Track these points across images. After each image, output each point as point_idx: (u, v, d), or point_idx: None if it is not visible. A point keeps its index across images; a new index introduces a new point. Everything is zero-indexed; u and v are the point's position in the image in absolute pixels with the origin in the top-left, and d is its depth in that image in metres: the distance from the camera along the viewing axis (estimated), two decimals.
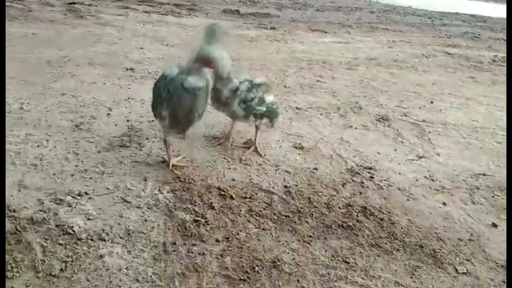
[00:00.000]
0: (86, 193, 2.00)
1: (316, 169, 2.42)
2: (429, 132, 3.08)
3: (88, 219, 1.83)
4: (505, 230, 2.03)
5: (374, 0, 11.26)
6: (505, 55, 5.75)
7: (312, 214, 2.01)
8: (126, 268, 1.60)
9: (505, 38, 7.22)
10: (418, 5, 10.81)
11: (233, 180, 2.23)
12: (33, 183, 2.05)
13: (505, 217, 2.13)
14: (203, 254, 1.71)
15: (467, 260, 1.82)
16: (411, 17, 8.85)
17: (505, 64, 5.37)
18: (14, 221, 1.76)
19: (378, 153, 2.70)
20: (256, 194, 2.13)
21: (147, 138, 2.59)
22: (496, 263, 1.82)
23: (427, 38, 6.75)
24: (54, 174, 2.14)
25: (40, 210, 1.85)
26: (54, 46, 4.38)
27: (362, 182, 2.33)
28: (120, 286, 1.52)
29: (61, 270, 1.56)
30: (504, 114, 3.58)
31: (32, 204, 1.90)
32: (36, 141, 2.45)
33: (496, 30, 7.98)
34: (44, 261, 1.59)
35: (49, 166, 2.22)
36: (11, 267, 1.54)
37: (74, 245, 1.68)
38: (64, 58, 4.02)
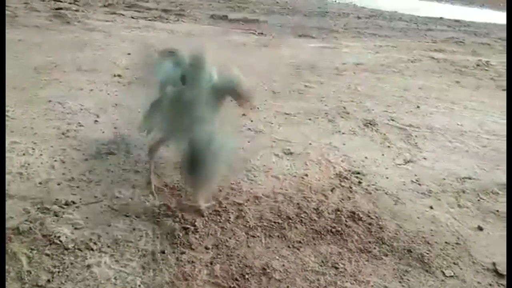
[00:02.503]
0: (73, 202, 1.98)
1: (306, 175, 2.43)
2: (416, 136, 3.12)
3: (75, 228, 1.81)
4: (491, 233, 2.07)
5: (360, 6, 11.38)
6: (489, 60, 5.85)
7: (301, 220, 2.02)
8: (115, 278, 1.58)
9: (489, 42, 7.36)
10: (404, 10, 10.97)
11: (222, 186, 2.23)
12: (18, 192, 2.02)
13: (491, 220, 2.17)
14: (193, 262, 1.70)
15: (454, 263, 1.84)
16: (397, 22, 8.97)
17: (489, 68, 5.47)
18: None
19: (366, 157, 2.72)
20: (245, 201, 2.13)
21: (135, 146, 2.57)
22: (483, 266, 1.84)
23: (413, 43, 6.85)
24: (40, 183, 2.11)
25: (26, 220, 1.82)
26: (40, 52, 4.33)
27: (351, 187, 2.35)
28: None
29: (48, 281, 1.54)
30: (489, 117, 3.64)
31: (18, 213, 1.87)
32: (22, 149, 2.42)
33: (480, 35, 8.13)
34: (31, 272, 1.57)
35: (35, 174, 2.19)
36: None
37: (61, 255, 1.66)
38: (51, 64, 3.98)
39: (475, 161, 2.82)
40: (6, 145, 2.43)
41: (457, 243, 1.97)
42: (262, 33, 6.58)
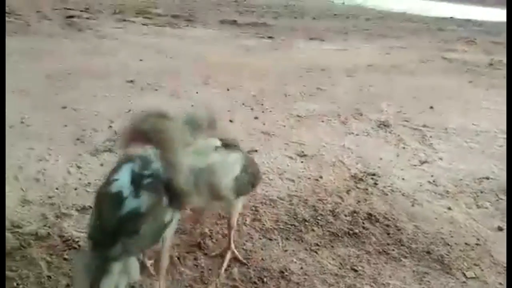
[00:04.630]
0: (91, 207, 1.98)
1: (321, 177, 2.41)
2: (431, 137, 3.08)
3: None
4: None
5: (369, 7, 11.34)
6: (502, 59, 5.78)
7: (318, 223, 2.00)
8: (133, 282, 1.58)
9: (501, 41, 7.27)
10: (413, 10, 10.90)
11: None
12: (36, 197, 2.04)
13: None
14: (210, 265, 1.69)
15: (475, 264, 1.81)
16: (407, 23, 8.92)
17: (502, 68, 5.40)
18: (19, 237, 1.75)
19: (381, 159, 2.69)
20: (261, 203, 2.12)
21: None
22: (504, 267, 1.80)
23: (424, 43, 6.80)
24: (57, 188, 2.13)
25: (44, 225, 1.83)
26: (53, 60, 4.39)
27: (366, 189, 2.32)
28: None
29: (67, 285, 1.54)
30: (504, 117, 3.59)
31: (36, 219, 1.88)
32: (38, 155, 2.44)
33: (491, 34, 8.05)
34: (50, 277, 1.57)
35: (51, 180, 2.20)
36: (17, 284, 1.53)
37: None
38: (64, 71, 4.03)
39: (492, 161, 2.77)
40: (23, 151, 2.46)
41: (477, 244, 1.94)
42: (271, 37, 6.59)
